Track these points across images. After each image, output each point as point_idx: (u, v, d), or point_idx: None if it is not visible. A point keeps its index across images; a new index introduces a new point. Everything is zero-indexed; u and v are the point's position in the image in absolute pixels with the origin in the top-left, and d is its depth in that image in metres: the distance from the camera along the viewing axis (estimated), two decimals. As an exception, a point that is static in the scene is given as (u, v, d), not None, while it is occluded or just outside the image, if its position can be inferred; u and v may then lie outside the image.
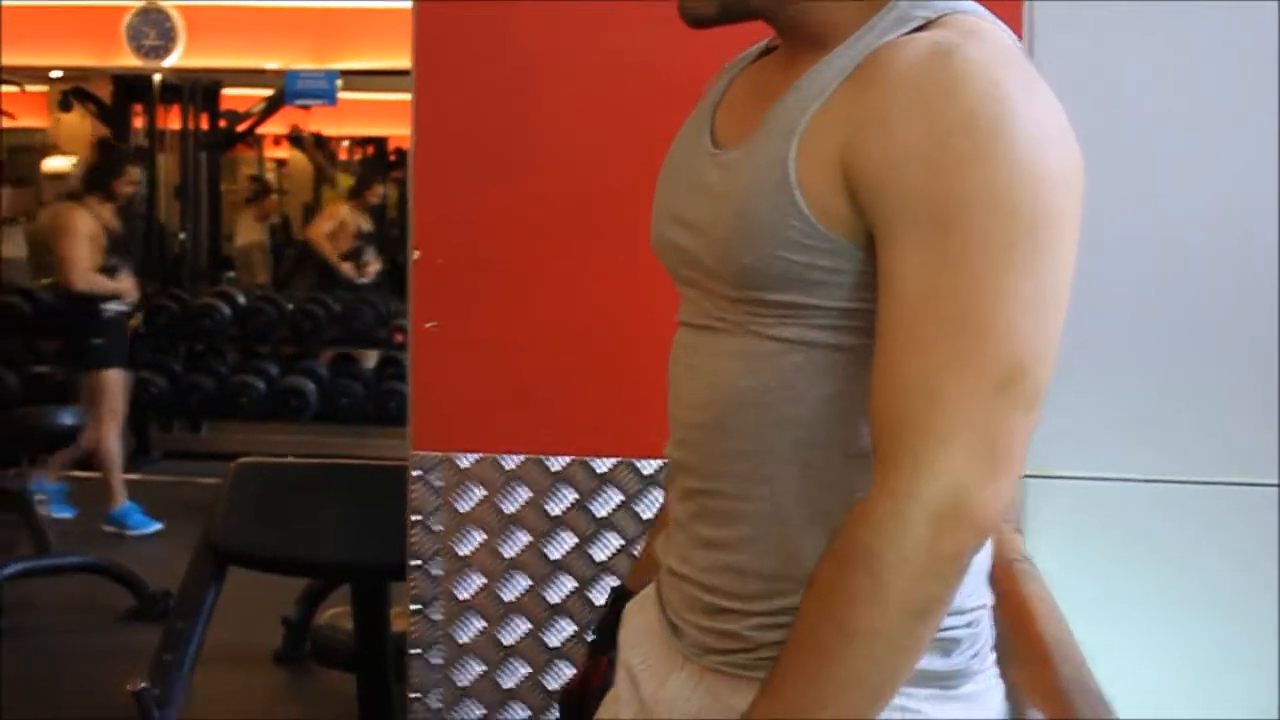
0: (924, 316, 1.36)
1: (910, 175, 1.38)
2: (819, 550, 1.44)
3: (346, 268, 11.17)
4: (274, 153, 18.07)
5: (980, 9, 1.52)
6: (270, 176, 17.99)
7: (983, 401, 1.34)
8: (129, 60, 10.91)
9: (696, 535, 1.61)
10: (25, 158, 14.94)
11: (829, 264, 1.46)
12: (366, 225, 11.20)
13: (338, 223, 11.46)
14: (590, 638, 1.98)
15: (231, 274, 13.72)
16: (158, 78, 11.96)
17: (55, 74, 13.24)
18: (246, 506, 3.39)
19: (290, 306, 10.24)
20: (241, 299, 10.14)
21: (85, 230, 7.89)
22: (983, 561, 1.57)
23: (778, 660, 1.41)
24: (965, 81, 1.38)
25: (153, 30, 10.64)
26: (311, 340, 10.31)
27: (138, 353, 9.63)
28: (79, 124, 13.83)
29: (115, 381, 8.08)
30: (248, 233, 13.91)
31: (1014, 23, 2.43)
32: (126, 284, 8.16)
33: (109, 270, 7.95)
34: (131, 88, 12.42)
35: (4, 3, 10.96)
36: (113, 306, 8.04)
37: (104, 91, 12.76)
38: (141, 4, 10.55)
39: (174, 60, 10.76)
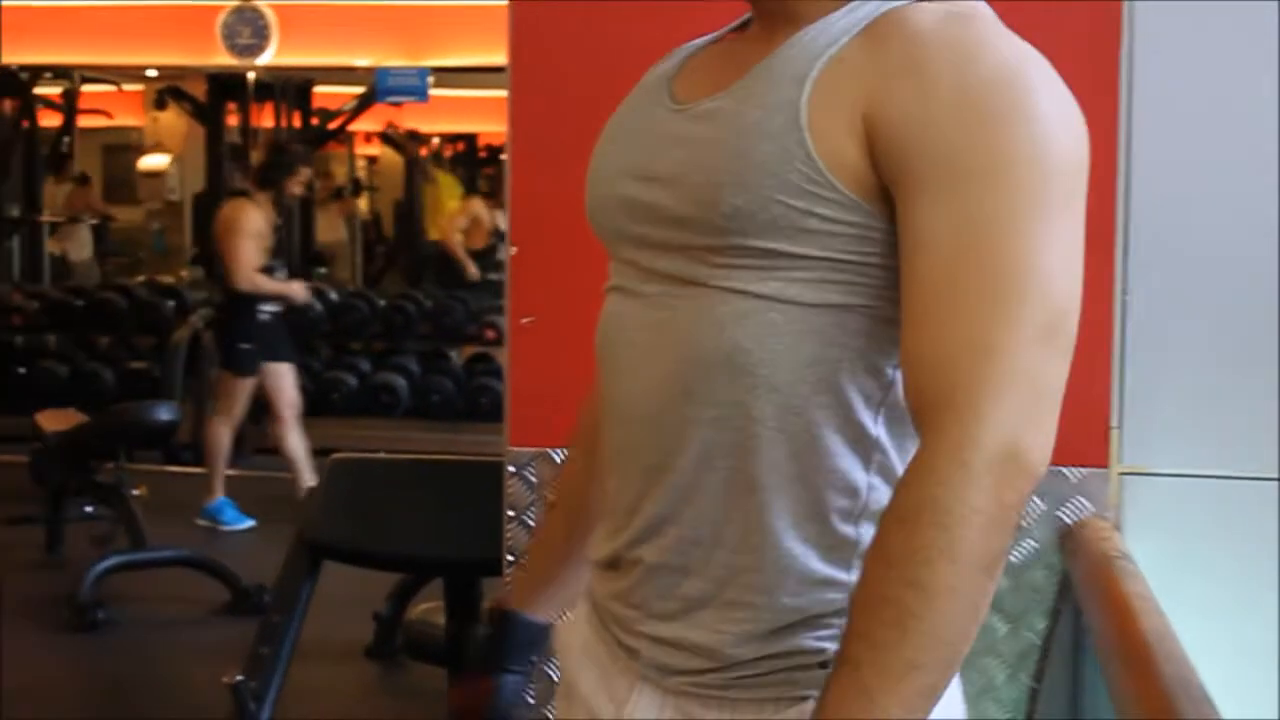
0: (966, 269, 1.37)
1: (947, 129, 1.38)
2: (786, 520, 1.47)
3: (472, 267, 11.22)
4: (365, 150, 18.23)
5: None
6: (361, 174, 18.14)
7: (1031, 351, 1.36)
8: (223, 59, 11.02)
9: (649, 515, 1.56)
10: (122, 156, 15.13)
11: (827, 212, 1.44)
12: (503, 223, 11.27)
13: (470, 219, 11.53)
14: (474, 657, 1.90)
15: (323, 270, 13.84)
16: (251, 76, 12.08)
17: (151, 73, 13.40)
18: (341, 502, 3.41)
19: (382, 303, 10.31)
20: (334, 295, 10.22)
21: (253, 228, 7.84)
22: None
23: (847, 639, 1.37)
24: (990, 44, 1.41)
25: (247, 29, 10.75)
26: (403, 336, 10.37)
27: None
28: (174, 122, 14.00)
29: (244, 387, 8.06)
30: (330, 230, 14.03)
31: (1113, 23, 2.41)
32: (295, 286, 8.17)
33: (267, 271, 7.95)
34: (226, 86, 12.55)
35: (107, 3, 11.13)
36: (268, 309, 8.00)
37: (198, 90, 12.90)
38: (236, 3, 10.65)
39: (267, 58, 10.86)
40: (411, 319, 10.29)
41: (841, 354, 1.47)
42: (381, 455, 3.83)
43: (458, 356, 10.66)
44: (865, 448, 1.50)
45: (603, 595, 1.65)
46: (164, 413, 7.06)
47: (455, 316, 10.32)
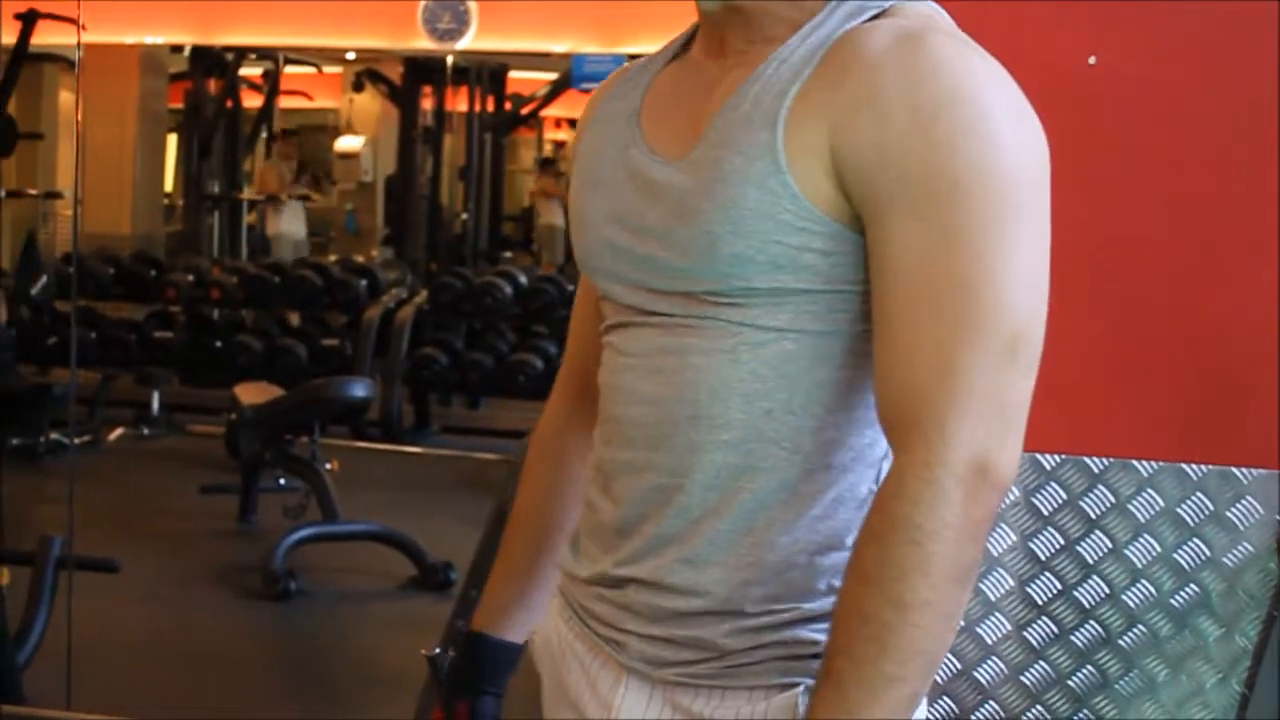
0: (928, 291, 1.40)
1: (902, 155, 1.41)
2: (796, 537, 1.50)
3: None
4: (554, 134, 18.36)
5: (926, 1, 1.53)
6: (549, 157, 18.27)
7: (994, 369, 1.40)
8: (422, 43, 11.17)
9: (648, 535, 1.56)
10: (318, 137, 15.41)
11: (822, 246, 1.46)
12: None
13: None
14: (445, 682, 1.91)
15: (509, 254, 13.97)
16: (449, 60, 12.22)
17: (350, 56, 13.63)
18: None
19: (570, 287, 10.39)
20: (523, 279, 10.32)
21: None
22: None
23: (829, 655, 1.41)
24: (941, 64, 1.42)
25: (447, 14, 10.88)
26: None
27: (422, 329, 9.89)
28: (369, 104, 14.23)
29: None
30: (547, 213, 14.15)
31: (1271, 24, 2.35)
32: None
33: None
34: (422, 69, 12.71)
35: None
36: None
37: (394, 73, 13.10)
38: (437, -13, 10.79)
39: (466, 43, 10.98)
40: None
41: (854, 375, 1.51)
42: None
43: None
44: (875, 463, 1.54)
45: (581, 595, 1.66)
46: (359, 389, 7.18)
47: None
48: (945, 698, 2.38)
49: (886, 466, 1.50)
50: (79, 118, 6.08)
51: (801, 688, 1.51)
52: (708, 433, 1.52)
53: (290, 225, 13.70)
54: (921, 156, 1.40)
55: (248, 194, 13.76)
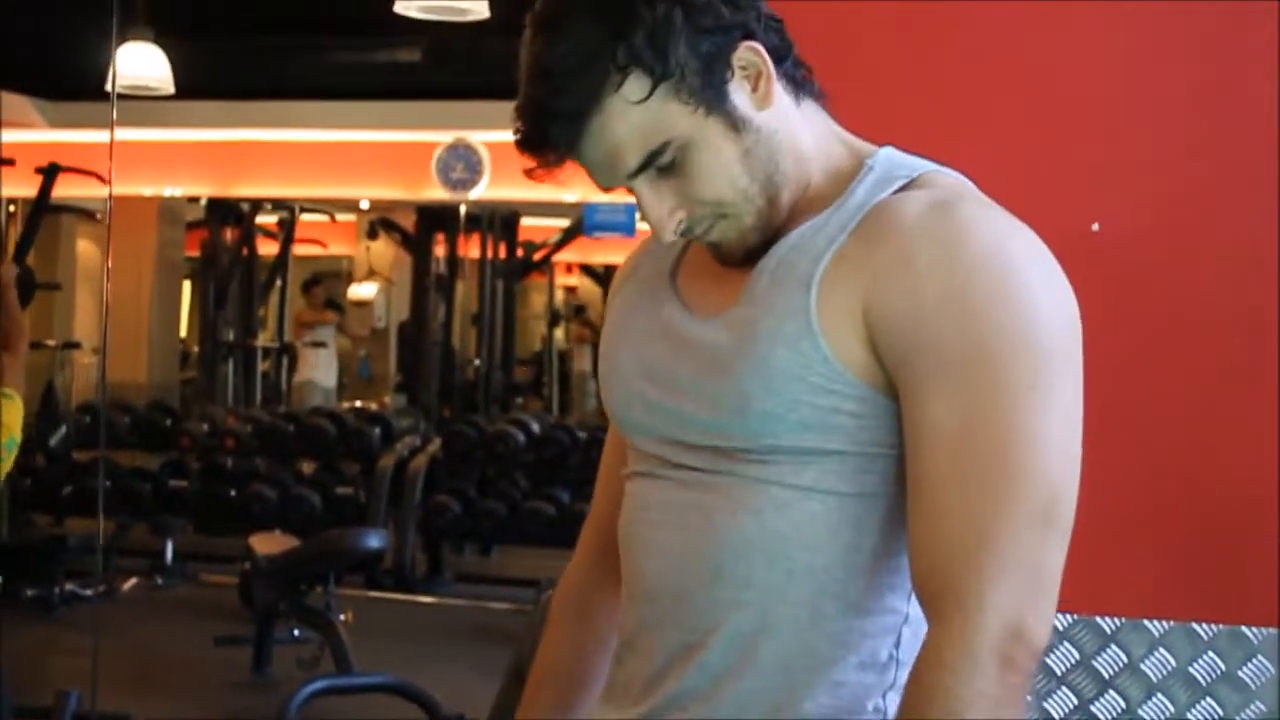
0: (962, 460, 1.43)
1: (936, 322, 1.44)
2: (817, 701, 1.51)
3: None
4: (565, 279, 18.48)
5: (947, 169, 1.57)
6: (559, 304, 18.37)
7: (1028, 536, 1.42)
8: (435, 192, 11.30)
9: (671, 691, 1.58)
10: (334, 284, 15.51)
11: (852, 408, 1.49)
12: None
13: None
14: None
15: (520, 400, 13.99)
16: (463, 208, 12.34)
17: (363, 204, 13.77)
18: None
19: (582, 435, 10.42)
20: (536, 426, 10.34)
21: None
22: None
23: None
24: (973, 231, 1.46)
25: (460, 164, 11.01)
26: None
27: (435, 477, 9.90)
28: (382, 251, 14.33)
29: None
30: (581, 359, 14.19)
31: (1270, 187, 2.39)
32: None
33: None
34: (435, 217, 12.83)
35: (326, 139, 11.48)
36: None
37: (407, 221, 13.21)
38: (451, 140, 10.92)
39: (479, 193, 11.11)
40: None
41: (877, 540, 1.53)
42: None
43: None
44: (895, 629, 1.55)
45: None
46: (373, 540, 7.19)
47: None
48: None
49: (906, 633, 1.54)
50: (108, 265, 6.14)
51: None
52: (729, 590, 1.54)
53: (322, 373, 13.61)
54: (955, 325, 1.44)
55: (261, 341, 13.82)
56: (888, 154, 1.59)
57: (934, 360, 1.44)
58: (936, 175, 1.56)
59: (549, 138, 1.51)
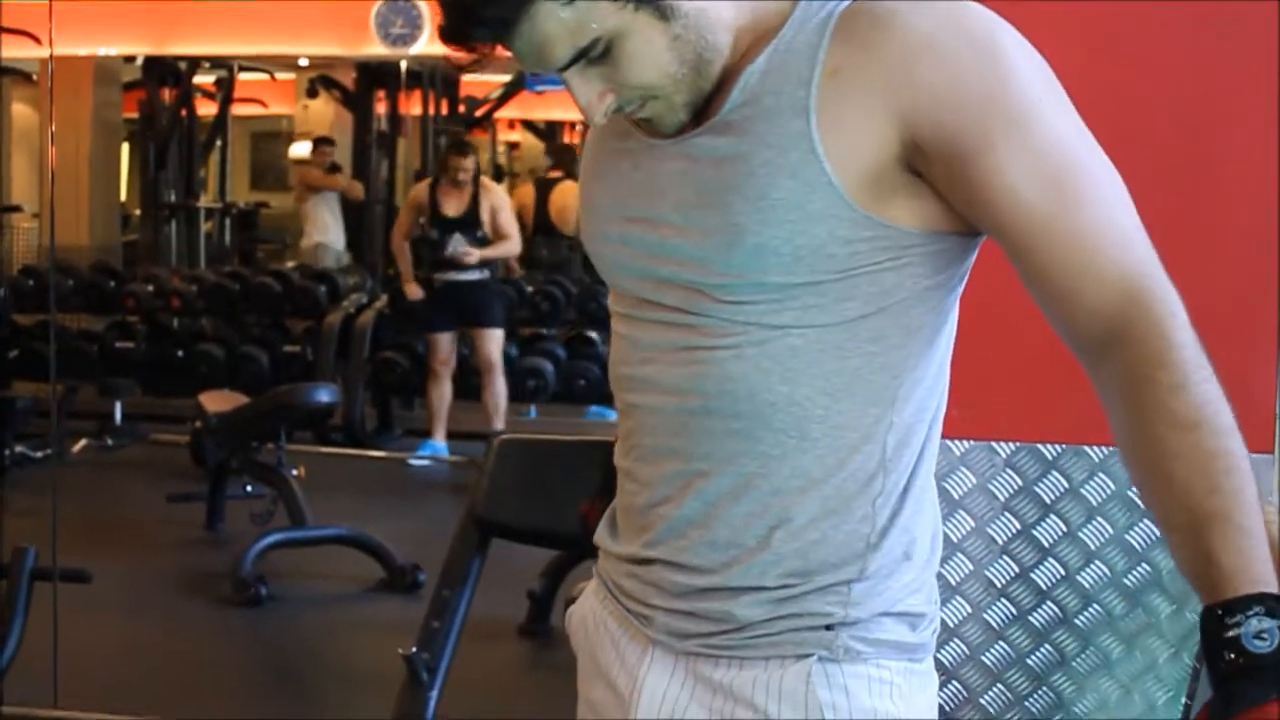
0: (1060, 192, 1.48)
1: (974, 88, 1.47)
2: (809, 518, 1.56)
3: None
4: (507, 136, 18.38)
5: None
6: (502, 160, 18.28)
7: (1126, 206, 1.51)
8: (375, 48, 11.19)
9: (671, 518, 1.62)
10: (271, 144, 15.39)
11: (845, 233, 1.51)
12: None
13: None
14: None
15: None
16: (403, 65, 12.23)
17: (303, 62, 13.63)
18: (508, 481, 3.49)
19: (530, 289, 10.43)
20: (481, 278, 10.30)
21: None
22: (937, 539, 1.66)
23: (1199, 499, 1.42)
24: (964, 9, 1.51)
25: (400, 19, 10.91)
26: (550, 322, 10.47)
27: (382, 333, 9.91)
28: (323, 110, 14.22)
29: (434, 342, 9.01)
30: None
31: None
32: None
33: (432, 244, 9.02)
34: (375, 74, 12.72)
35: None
36: (441, 276, 9.07)
37: (348, 79, 13.10)
38: (389, -7, 10.81)
39: (419, 48, 11.01)
40: (558, 304, 10.40)
41: (861, 360, 1.55)
42: (547, 437, 3.92)
43: (603, 341, 10.74)
44: (880, 437, 1.58)
45: (615, 572, 1.72)
46: (324, 395, 7.23)
47: (601, 301, 10.40)
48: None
49: (891, 439, 1.58)
50: (52, 129, 6.07)
51: (814, 659, 1.58)
52: (719, 421, 1.57)
53: (333, 235, 12.82)
54: (994, 80, 1.48)
55: (203, 201, 13.72)
56: None
57: (992, 119, 1.48)
58: None
59: (474, 38, 1.49)
